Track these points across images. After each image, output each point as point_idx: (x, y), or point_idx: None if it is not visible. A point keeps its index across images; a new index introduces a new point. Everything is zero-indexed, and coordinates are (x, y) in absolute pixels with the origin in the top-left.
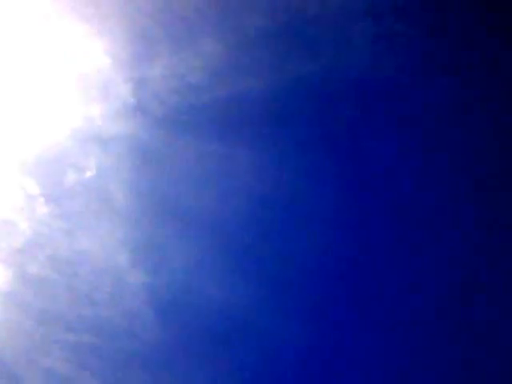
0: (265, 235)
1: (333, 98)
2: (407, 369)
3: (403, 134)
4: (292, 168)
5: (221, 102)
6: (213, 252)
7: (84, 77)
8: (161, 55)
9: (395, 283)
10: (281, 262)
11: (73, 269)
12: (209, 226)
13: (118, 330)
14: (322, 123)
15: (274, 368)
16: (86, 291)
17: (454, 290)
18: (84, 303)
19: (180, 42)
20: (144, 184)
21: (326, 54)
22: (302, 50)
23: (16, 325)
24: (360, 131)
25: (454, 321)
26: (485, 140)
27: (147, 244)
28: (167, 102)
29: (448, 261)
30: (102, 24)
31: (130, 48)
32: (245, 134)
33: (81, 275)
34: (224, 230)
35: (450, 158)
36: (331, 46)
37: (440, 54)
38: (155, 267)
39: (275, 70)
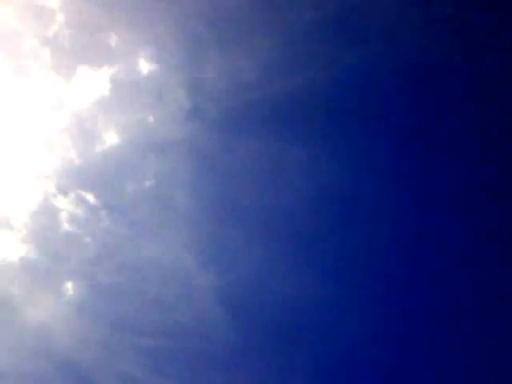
0: (327, 230)
1: (385, 88)
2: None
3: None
4: (351, 162)
5: (274, 98)
6: (278, 249)
7: (138, 84)
8: (213, 57)
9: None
10: (344, 256)
11: (142, 275)
12: (271, 223)
13: (189, 331)
14: (376, 113)
15: (342, 361)
16: (156, 296)
17: None
18: (155, 308)
19: (230, 41)
20: (205, 186)
21: (376, 42)
22: (352, 40)
23: (91, 333)
24: (414, 121)
25: None
26: None
27: (213, 245)
28: (222, 103)
29: None
30: (153, 30)
31: (182, 52)
32: (300, 129)
33: (150, 280)
34: (287, 227)
35: None
36: (381, 33)
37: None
38: (222, 268)
39: (326, 62)
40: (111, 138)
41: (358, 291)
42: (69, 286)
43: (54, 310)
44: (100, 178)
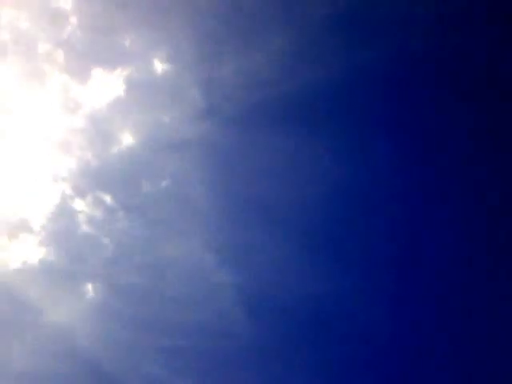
0: (345, 226)
1: (402, 81)
2: None
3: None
4: (368, 157)
5: (290, 94)
6: (297, 246)
7: (153, 84)
8: (227, 54)
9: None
10: (365, 252)
11: (161, 275)
12: (290, 220)
13: (210, 330)
14: (394, 107)
15: (363, 358)
16: (176, 295)
17: None
18: (175, 307)
19: (245, 39)
20: (222, 184)
21: (390, 37)
22: (367, 35)
23: (113, 334)
24: (432, 114)
25: None
26: None
27: (231, 243)
28: (238, 101)
29: None
30: (166, 29)
31: (196, 50)
32: (318, 125)
33: (169, 280)
34: (305, 224)
35: None
36: (395, 28)
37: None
38: (242, 266)
39: (342, 58)
40: (127, 139)
41: (379, 287)
42: (89, 288)
43: (74, 311)
44: (117, 178)
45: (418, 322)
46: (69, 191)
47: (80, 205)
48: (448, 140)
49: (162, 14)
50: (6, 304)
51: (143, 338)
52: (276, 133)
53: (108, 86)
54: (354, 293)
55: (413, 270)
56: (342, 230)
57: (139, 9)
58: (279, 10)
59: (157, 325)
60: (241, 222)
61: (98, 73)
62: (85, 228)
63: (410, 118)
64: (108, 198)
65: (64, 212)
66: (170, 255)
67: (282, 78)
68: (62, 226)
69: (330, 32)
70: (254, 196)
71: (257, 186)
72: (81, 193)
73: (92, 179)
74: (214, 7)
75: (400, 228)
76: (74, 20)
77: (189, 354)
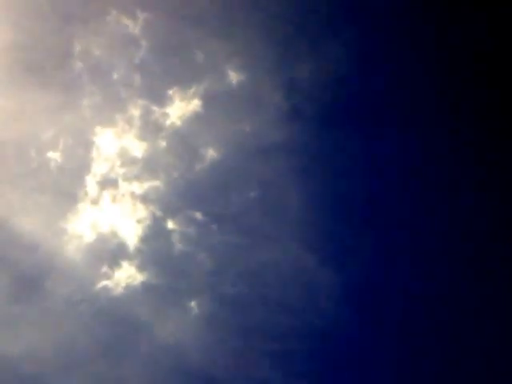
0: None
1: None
2: None
3: None
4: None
5: (371, 90)
6: (396, 243)
7: (230, 95)
8: (303, 55)
9: None
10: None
11: (263, 280)
12: (383, 216)
13: (317, 332)
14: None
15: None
16: (280, 299)
17: None
18: (280, 311)
19: (318, 37)
20: (313, 185)
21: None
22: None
23: (222, 343)
24: None
25: None
26: None
27: (329, 243)
28: (318, 100)
29: None
30: (237, 39)
31: (271, 55)
32: (402, 118)
33: (271, 285)
34: (401, 220)
35: None
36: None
37: None
38: (342, 264)
39: (419, 51)
40: (211, 153)
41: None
42: (193, 302)
43: (182, 326)
44: (205, 193)
45: None
46: (159, 212)
47: (172, 224)
48: None
49: (232, 24)
50: (115, 326)
51: (253, 344)
52: (360, 130)
53: (186, 103)
54: (468, 295)
55: None
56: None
57: (208, 22)
58: (351, 5)
59: (264, 330)
60: (335, 221)
61: (174, 92)
62: (180, 246)
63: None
64: (199, 214)
65: (157, 233)
66: (269, 260)
67: (361, 71)
68: (158, 247)
69: (403, 21)
70: (346, 196)
71: (348, 187)
72: (171, 212)
73: (181, 198)
74: (285, 9)
75: None
76: (144, 43)
77: (299, 356)
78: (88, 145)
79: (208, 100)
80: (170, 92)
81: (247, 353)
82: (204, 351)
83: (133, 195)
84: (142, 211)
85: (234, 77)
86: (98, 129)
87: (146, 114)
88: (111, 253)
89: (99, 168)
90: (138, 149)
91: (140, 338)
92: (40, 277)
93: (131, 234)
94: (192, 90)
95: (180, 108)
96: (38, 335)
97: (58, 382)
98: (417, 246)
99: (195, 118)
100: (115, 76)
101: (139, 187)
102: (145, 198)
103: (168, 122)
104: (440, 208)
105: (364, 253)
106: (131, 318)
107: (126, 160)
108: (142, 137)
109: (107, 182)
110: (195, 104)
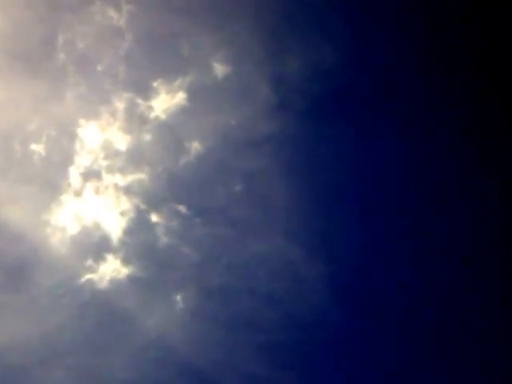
0: (429, 211)
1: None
2: None
3: None
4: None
5: (359, 82)
6: (383, 233)
7: (215, 88)
8: (291, 47)
9: None
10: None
11: (249, 273)
12: (371, 207)
13: (303, 323)
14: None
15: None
16: (266, 291)
17: None
18: (266, 303)
19: (307, 29)
20: (300, 178)
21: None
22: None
23: (208, 335)
24: None
25: None
26: None
27: (316, 235)
28: (307, 93)
29: None
30: (224, 32)
31: (258, 47)
32: (389, 110)
33: (258, 278)
34: (387, 210)
35: None
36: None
37: None
38: (329, 256)
39: (407, 42)
40: (196, 146)
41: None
42: (179, 294)
43: (168, 319)
44: (190, 187)
45: None
46: (143, 205)
47: (156, 218)
48: None
49: (219, 15)
50: (101, 319)
51: (239, 337)
52: (348, 122)
53: (171, 96)
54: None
55: None
56: (428, 216)
57: (194, 14)
58: None
59: (251, 322)
60: (322, 212)
61: (159, 84)
62: (165, 239)
63: None
64: (183, 207)
65: (141, 226)
66: (256, 253)
67: (348, 65)
68: (142, 240)
69: (392, 15)
70: (334, 186)
71: (335, 178)
72: (155, 205)
73: (165, 191)
74: (273, 2)
75: None
76: (129, 35)
77: (285, 348)
78: (72, 136)
79: (193, 93)
80: (155, 84)
81: (234, 345)
82: (190, 343)
83: (116, 187)
84: (126, 203)
85: (220, 69)
86: (82, 121)
87: (131, 107)
88: (95, 245)
89: (83, 160)
90: (123, 141)
91: (126, 331)
92: (25, 268)
93: (115, 226)
94: (177, 83)
95: (165, 101)
96: (24, 326)
97: (43, 373)
98: (404, 239)
99: (180, 111)
100: (100, 68)
101: (122, 179)
102: (128, 191)
103: (153, 115)
104: (430, 199)
105: (351, 246)
106: (117, 311)
107: (110, 152)
108: (127, 129)
109: (90, 174)
110: (180, 97)
